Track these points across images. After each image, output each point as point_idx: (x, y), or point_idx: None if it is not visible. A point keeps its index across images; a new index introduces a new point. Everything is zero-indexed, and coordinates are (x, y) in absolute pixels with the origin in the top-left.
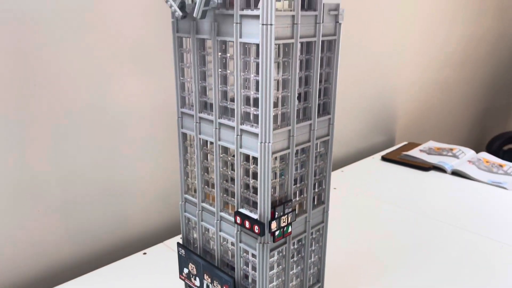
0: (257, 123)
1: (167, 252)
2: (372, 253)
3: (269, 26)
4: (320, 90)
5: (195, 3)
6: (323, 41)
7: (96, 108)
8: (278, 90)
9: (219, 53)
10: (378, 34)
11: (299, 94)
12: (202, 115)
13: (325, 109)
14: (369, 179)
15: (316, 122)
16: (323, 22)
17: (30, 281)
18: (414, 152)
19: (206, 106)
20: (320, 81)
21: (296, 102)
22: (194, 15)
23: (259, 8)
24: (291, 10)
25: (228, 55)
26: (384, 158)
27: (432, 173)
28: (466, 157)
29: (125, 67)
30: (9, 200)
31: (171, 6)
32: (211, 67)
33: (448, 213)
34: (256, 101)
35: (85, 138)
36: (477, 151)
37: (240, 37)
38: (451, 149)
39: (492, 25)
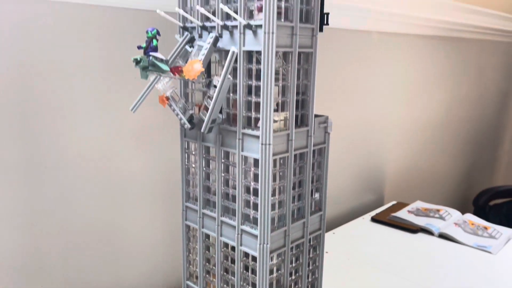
0: (257, 224)
1: None
2: None
3: (267, 146)
4: (312, 190)
5: (201, 117)
6: (314, 149)
7: (100, 181)
8: (275, 195)
9: (223, 160)
10: (366, 99)
11: (293, 196)
12: (205, 211)
13: (317, 205)
14: (360, 241)
15: (309, 219)
16: (314, 134)
17: None
18: (403, 213)
19: (209, 203)
20: (312, 182)
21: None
22: (202, 130)
23: (259, 127)
24: (286, 129)
25: (231, 162)
26: (373, 219)
27: (420, 235)
28: (452, 219)
29: (129, 142)
30: (13, 276)
31: (180, 119)
32: (215, 170)
33: (436, 279)
34: (255, 205)
35: (89, 211)
36: (465, 206)
37: (242, 150)
38: (438, 210)
39: (472, 86)
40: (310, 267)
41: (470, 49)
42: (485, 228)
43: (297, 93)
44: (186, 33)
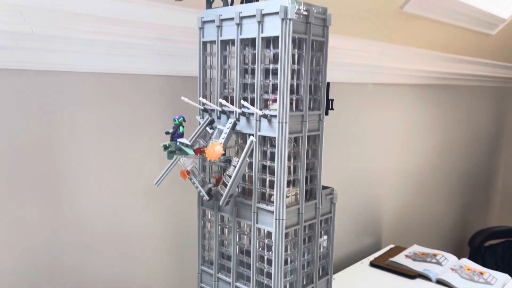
0: None
1: None
2: None
3: (281, 220)
4: (320, 256)
5: (220, 191)
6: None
7: (112, 236)
8: (287, 264)
9: (238, 230)
10: (364, 146)
11: (303, 264)
12: (220, 275)
13: (324, 270)
14: (360, 287)
15: (317, 284)
16: (321, 205)
17: None
18: (400, 258)
19: (224, 267)
20: (320, 248)
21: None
22: (220, 203)
23: (272, 202)
24: (297, 203)
25: (245, 232)
26: (372, 264)
27: (418, 281)
28: (448, 264)
29: (140, 198)
30: None
31: (200, 192)
32: (230, 238)
33: None
34: (269, 273)
35: (100, 264)
36: (460, 247)
37: (257, 223)
38: (435, 255)
39: (463, 130)
40: None
41: (460, 95)
42: (481, 273)
43: (306, 170)
44: (206, 116)
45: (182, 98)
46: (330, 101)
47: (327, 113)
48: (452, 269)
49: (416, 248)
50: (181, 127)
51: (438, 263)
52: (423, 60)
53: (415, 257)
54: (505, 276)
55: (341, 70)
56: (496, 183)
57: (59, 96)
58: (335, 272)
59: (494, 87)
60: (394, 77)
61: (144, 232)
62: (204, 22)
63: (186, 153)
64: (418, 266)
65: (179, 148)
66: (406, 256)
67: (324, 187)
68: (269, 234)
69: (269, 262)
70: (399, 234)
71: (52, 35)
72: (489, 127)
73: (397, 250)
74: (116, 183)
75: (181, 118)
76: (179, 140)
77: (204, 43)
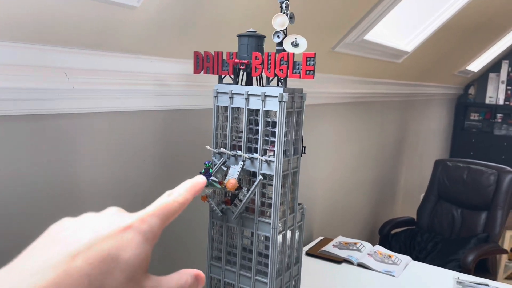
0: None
1: None
2: None
3: (275, 229)
4: (294, 248)
5: (231, 209)
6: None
7: None
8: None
9: (242, 235)
10: (303, 158)
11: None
12: (227, 267)
13: (297, 261)
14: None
15: (293, 271)
16: (297, 216)
17: None
18: (329, 248)
19: (229, 261)
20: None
21: None
22: (233, 218)
23: (268, 216)
24: (284, 217)
25: (248, 237)
26: (308, 254)
27: (344, 265)
28: (366, 250)
29: None
30: None
31: (215, 210)
32: (236, 241)
33: None
34: (265, 264)
35: None
36: (373, 235)
37: (258, 230)
38: (355, 243)
39: (376, 137)
40: None
41: (374, 109)
42: (390, 256)
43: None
44: (221, 158)
45: (206, 146)
46: (303, 148)
47: (301, 156)
48: (369, 254)
49: (340, 239)
50: (210, 169)
51: (358, 250)
52: (346, 84)
53: (341, 246)
54: (407, 258)
55: None
56: (399, 181)
57: (83, 132)
58: None
59: (399, 101)
60: (324, 99)
61: None
62: (218, 92)
63: (216, 187)
64: (343, 253)
65: (210, 183)
66: (334, 245)
67: (298, 204)
68: (267, 238)
69: (266, 256)
70: (327, 228)
71: (88, 89)
72: (395, 134)
73: (326, 241)
74: (117, 200)
75: (210, 162)
76: (211, 178)
77: (218, 107)
